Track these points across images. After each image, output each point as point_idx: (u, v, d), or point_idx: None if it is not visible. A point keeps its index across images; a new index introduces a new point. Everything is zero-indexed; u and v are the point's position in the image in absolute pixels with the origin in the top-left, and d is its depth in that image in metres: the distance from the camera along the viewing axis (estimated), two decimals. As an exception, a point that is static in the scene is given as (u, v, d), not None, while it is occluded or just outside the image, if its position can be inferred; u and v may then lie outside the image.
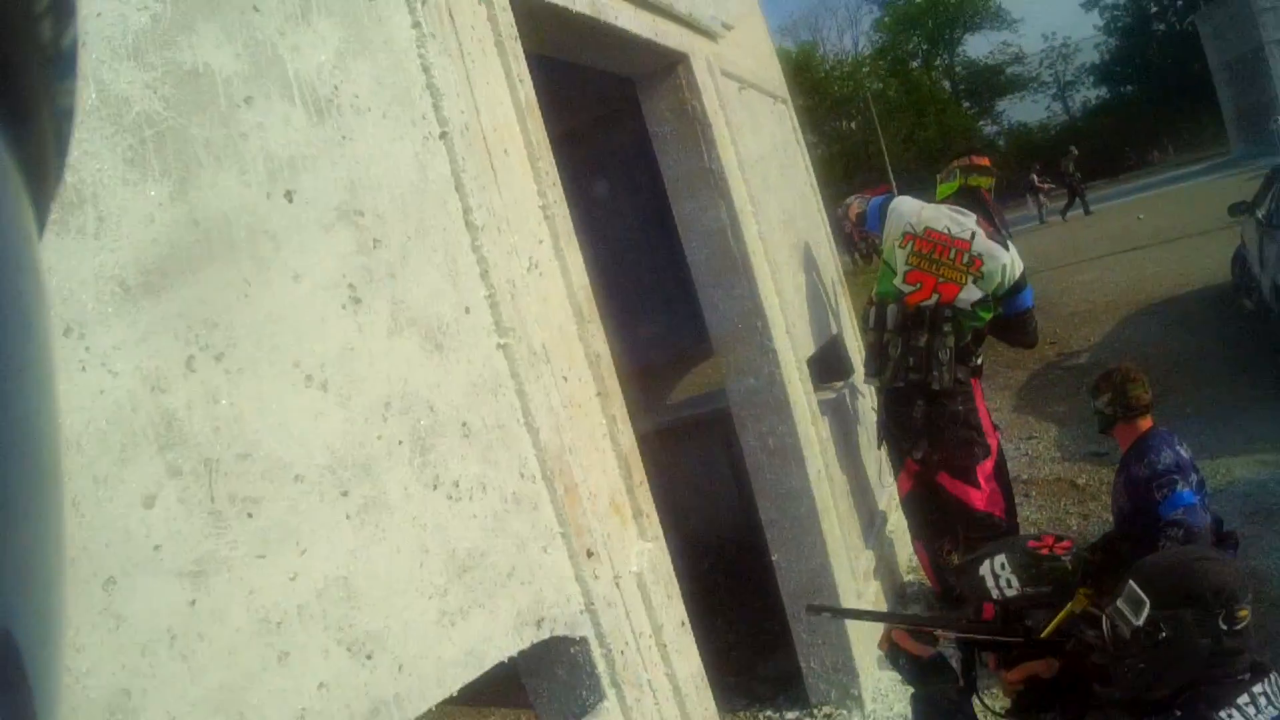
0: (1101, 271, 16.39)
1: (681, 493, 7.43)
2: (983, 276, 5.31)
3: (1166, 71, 62.50)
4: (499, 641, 2.40)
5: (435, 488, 2.24)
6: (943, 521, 5.67)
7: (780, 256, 5.32)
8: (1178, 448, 4.75)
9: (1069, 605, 4.98)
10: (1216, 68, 43.98)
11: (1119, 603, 2.36)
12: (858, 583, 5.47)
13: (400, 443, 2.15)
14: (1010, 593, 2.62)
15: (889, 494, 6.86)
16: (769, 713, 5.50)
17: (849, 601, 5.12)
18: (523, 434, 2.57)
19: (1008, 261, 5.34)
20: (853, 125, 65.27)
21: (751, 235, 4.86)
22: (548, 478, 2.62)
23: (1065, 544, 2.57)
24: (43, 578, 0.37)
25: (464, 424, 2.36)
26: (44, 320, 0.39)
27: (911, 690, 2.79)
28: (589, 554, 2.74)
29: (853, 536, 5.60)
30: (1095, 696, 2.66)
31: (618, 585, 2.92)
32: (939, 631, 2.70)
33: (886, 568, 6.16)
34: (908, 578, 6.57)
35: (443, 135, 2.53)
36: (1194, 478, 4.65)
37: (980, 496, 5.39)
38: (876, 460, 6.65)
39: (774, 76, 6.90)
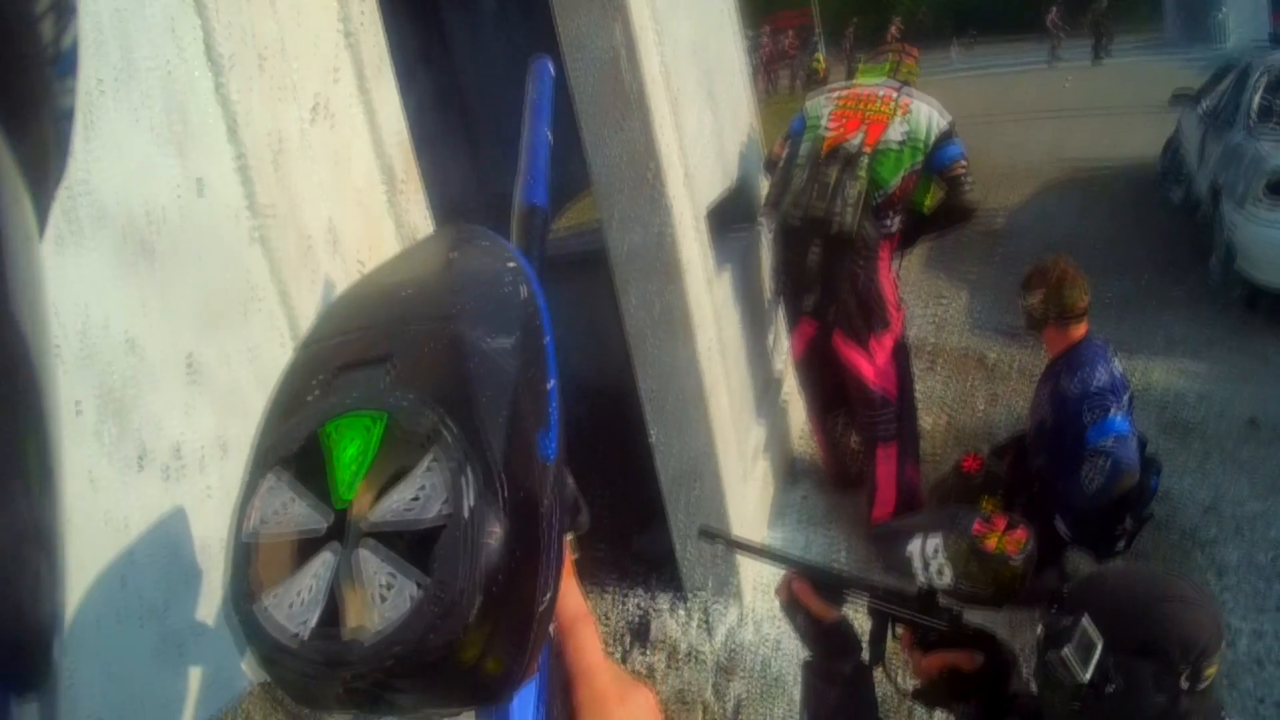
0: (1024, 133, 15.79)
1: (561, 329, 6.79)
2: (910, 115, 4.87)
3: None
4: (251, 658, 1.75)
5: (141, 466, 1.53)
6: (836, 393, 5.21)
7: (685, 90, 4.50)
8: (1112, 363, 4.30)
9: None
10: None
11: (1067, 650, 1.77)
12: (745, 463, 4.90)
13: (78, 409, 1.44)
14: (940, 583, 1.99)
15: (787, 353, 6.28)
16: (640, 594, 5.01)
17: (733, 482, 4.58)
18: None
19: (935, 111, 4.94)
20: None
21: (651, 65, 4.01)
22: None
23: (1019, 534, 1.94)
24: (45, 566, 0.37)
25: (189, 362, 1.63)
26: (43, 318, 0.39)
27: (805, 653, 2.21)
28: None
29: (743, 412, 5.00)
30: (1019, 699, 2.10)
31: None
32: (850, 593, 2.08)
33: (778, 439, 5.62)
34: (799, 447, 6.04)
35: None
36: (1126, 398, 4.22)
37: (872, 369, 4.87)
38: (777, 317, 6.04)
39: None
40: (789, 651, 4.45)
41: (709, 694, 4.33)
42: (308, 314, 1.86)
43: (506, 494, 0.54)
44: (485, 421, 0.56)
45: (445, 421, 0.55)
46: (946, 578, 2.00)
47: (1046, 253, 4.74)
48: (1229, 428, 5.77)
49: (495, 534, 0.53)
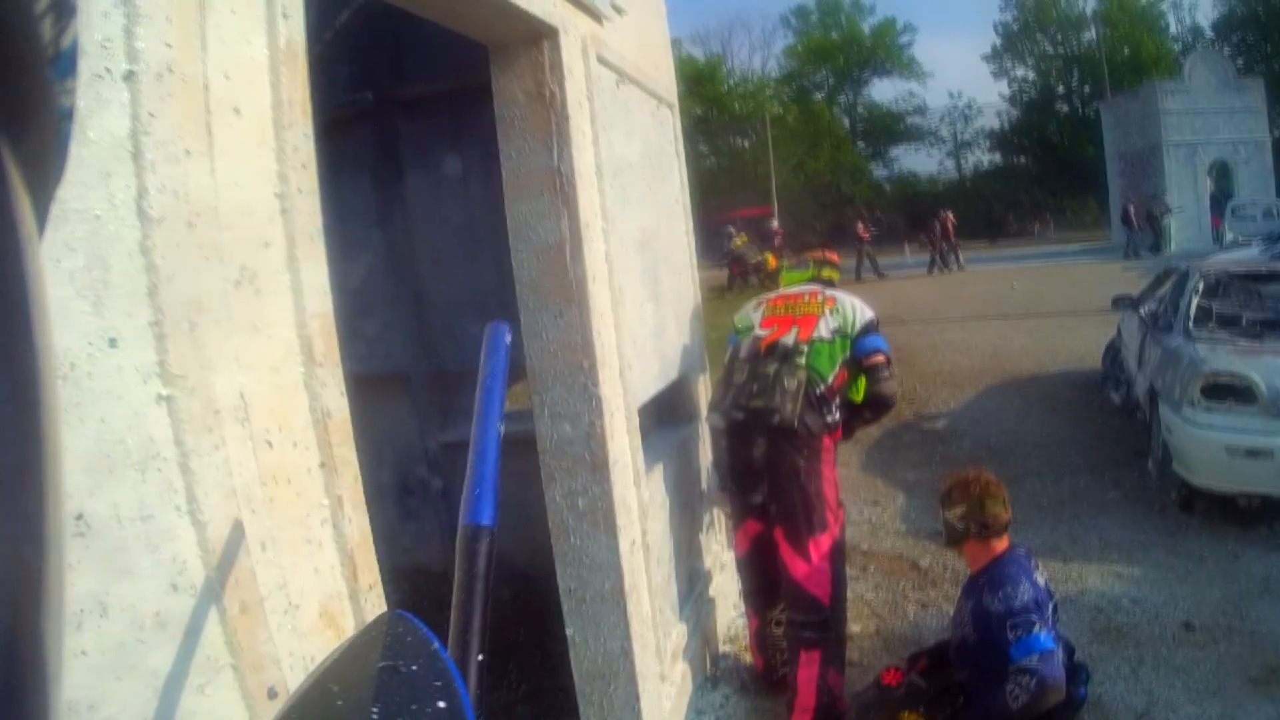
0: (969, 334, 16.22)
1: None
2: (837, 308, 5.10)
3: (1062, 151, 65.24)
4: None
5: None
6: (776, 588, 5.15)
7: (628, 283, 4.57)
8: (1034, 576, 4.27)
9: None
10: (1111, 157, 45.55)
11: None
12: (663, 664, 4.79)
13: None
14: None
15: (718, 551, 6.21)
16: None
17: (650, 682, 4.46)
18: (183, 527, 1.78)
19: (860, 304, 5.19)
20: (746, 144, 66.46)
21: (595, 255, 4.08)
22: (213, 589, 1.84)
23: None
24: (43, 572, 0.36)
25: (79, 516, 1.57)
26: (43, 316, 0.39)
27: None
28: (272, 694, 1.96)
29: (665, 610, 4.91)
30: None
31: (321, 722, 2.14)
32: None
33: (701, 639, 5.50)
34: (724, 648, 5.93)
35: (128, 75, 1.71)
36: (1050, 610, 4.18)
37: (806, 572, 4.82)
38: (706, 515, 6.00)
39: (664, 77, 6.08)
40: None
41: None
42: (211, 483, 1.81)
43: None
44: None
45: None
46: None
47: (967, 469, 4.75)
48: (1163, 631, 5.74)
49: None
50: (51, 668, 0.36)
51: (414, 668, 0.71)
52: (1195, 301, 8.54)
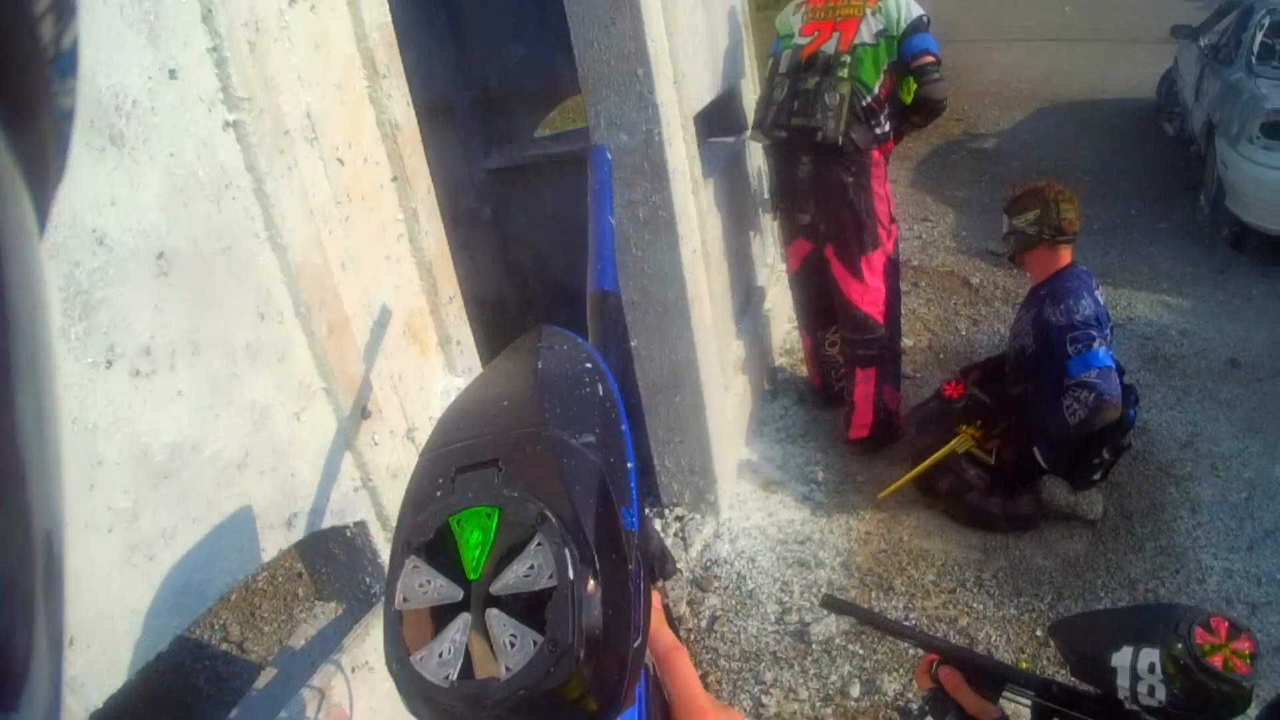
0: (1019, 56, 15.46)
1: (541, 235, 6.70)
2: (881, 7, 4.67)
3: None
4: (227, 563, 1.69)
5: (109, 364, 1.45)
6: (829, 308, 5.12)
7: (677, -12, 4.36)
8: (1096, 294, 4.26)
9: (952, 443, 4.51)
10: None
11: None
12: (726, 374, 4.85)
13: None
14: (1150, 703, 1.73)
15: (771, 267, 6.19)
16: (614, 503, 4.97)
17: (714, 392, 4.53)
18: (265, 254, 1.75)
19: (907, 1, 4.72)
20: None
21: (642, -41, 3.87)
22: (303, 314, 1.82)
23: (1245, 644, 1.64)
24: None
25: (160, 255, 1.54)
26: (44, 320, 0.38)
27: None
28: (365, 414, 1.97)
29: (725, 321, 4.93)
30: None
31: (411, 440, 2.18)
32: (1012, 688, 1.86)
33: (759, 351, 5.55)
34: (779, 361, 5.99)
35: None
36: (1109, 329, 4.22)
37: (860, 290, 4.78)
38: (762, 228, 5.95)
39: None
40: (764, 567, 4.45)
41: (684, 608, 4.33)
42: (288, 207, 1.76)
43: (600, 563, 0.65)
44: (579, 507, 0.66)
45: (547, 511, 0.66)
46: (1159, 697, 1.75)
47: (1036, 177, 4.65)
48: (1209, 365, 5.79)
49: (594, 594, 0.64)
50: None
51: (565, 347, 0.84)
52: (1259, 37, 8.15)
